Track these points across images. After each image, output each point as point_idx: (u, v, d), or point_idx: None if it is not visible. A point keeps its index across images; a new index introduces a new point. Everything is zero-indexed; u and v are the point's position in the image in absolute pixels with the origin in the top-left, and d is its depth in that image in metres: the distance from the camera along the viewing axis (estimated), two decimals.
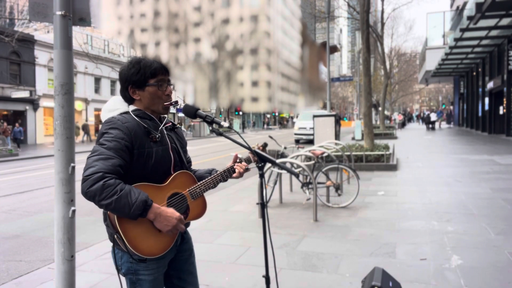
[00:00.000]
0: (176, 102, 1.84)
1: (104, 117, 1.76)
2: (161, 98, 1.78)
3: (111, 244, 1.72)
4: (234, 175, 1.94)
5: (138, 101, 1.78)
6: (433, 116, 31.90)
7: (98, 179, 1.48)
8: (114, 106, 1.78)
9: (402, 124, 34.80)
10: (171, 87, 1.83)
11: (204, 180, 1.85)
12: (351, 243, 4.26)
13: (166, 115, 1.88)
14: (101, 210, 1.61)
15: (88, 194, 1.48)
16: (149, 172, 1.69)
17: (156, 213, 1.57)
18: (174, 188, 1.75)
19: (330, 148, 8.35)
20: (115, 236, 1.59)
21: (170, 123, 1.89)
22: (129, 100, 1.79)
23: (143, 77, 1.73)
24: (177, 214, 1.62)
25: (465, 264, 3.56)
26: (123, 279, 1.76)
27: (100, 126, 1.74)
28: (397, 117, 39.62)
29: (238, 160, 1.97)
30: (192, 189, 1.80)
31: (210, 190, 1.88)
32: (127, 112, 1.75)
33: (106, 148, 1.57)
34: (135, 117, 1.72)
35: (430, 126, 31.23)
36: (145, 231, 1.62)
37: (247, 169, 1.97)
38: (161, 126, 1.80)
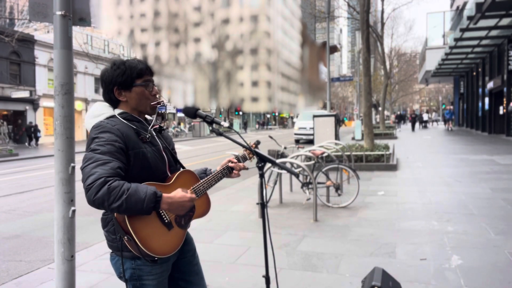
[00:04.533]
0: (163, 102, 1.84)
1: (88, 123, 1.72)
2: (149, 98, 1.76)
3: (110, 251, 1.72)
4: (233, 174, 1.94)
5: (124, 103, 1.75)
6: (425, 116, 36.44)
7: (102, 185, 1.45)
8: (99, 111, 1.74)
9: (413, 124, 31.43)
10: (156, 88, 1.82)
11: (206, 178, 1.85)
12: (351, 243, 4.26)
13: (152, 117, 1.87)
14: (101, 210, 1.61)
15: (96, 202, 1.45)
16: (146, 174, 1.67)
17: (169, 203, 1.57)
18: (179, 186, 1.75)
19: (330, 148, 8.35)
20: (125, 238, 1.57)
21: (157, 126, 1.88)
22: (114, 102, 1.76)
23: (129, 78, 1.71)
24: (187, 196, 1.62)
25: (465, 264, 3.56)
26: (119, 283, 1.75)
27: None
28: (393, 116, 40.14)
29: (235, 158, 1.98)
30: (196, 187, 1.80)
31: (210, 189, 1.88)
32: (113, 116, 1.71)
33: (101, 153, 1.54)
34: (123, 120, 1.69)
35: (423, 125, 35.14)
36: (155, 230, 1.62)
37: (245, 168, 1.98)
38: (150, 127, 1.78)
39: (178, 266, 1.87)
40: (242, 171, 2.01)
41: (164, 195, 1.56)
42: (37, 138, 25.32)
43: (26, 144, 25.40)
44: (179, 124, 41.64)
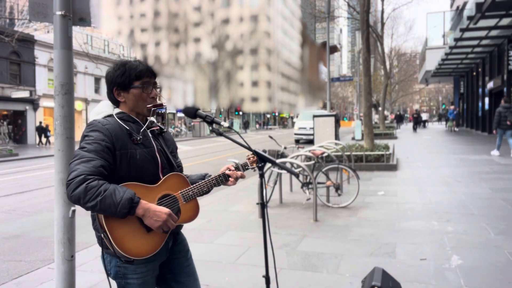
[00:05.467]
0: (161, 105, 1.83)
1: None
2: (146, 100, 1.77)
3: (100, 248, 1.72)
4: (229, 182, 1.90)
5: (123, 103, 1.78)
6: (424, 116, 37.88)
7: (81, 182, 1.48)
8: (100, 109, 1.78)
9: (414, 125, 30.36)
10: (158, 90, 1.82)
11: (198, 184, 1.81)
12: (351, 243, 4.26)
13: (153, 119, 1.86)
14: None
15: (73, 198, 1.49)
16: (135, 175, 1.67)
17: (145, 209, 1.56)
18: (166, 189, 1.73)
19: (330, 148, 8.35)
20: (102, 235, 1.58)
21: (158, 127, 1.87)
22: (115, 102, 1.79)
23: (127, 79, 1.73)
24: (166, 209, 1.61)
25: (465, 264, 3.56)
26: (113, 283, 1.74)
27: None
28: (390, 116, 40.19)
29: (234, 166, 1.93)
30: (184, 191, 1.77)
31: (201, 195, 1.84)
32: (110, 115, 1.74)
33: (87, 151, 1.58)
34: (118, 120, 1.71)
35: (422, 125, 36.61)
36: (133, 231, 1.60)
37: (242, 176, 1.93)
38: (143, 127, 1.77)
39: (170, 267, 1.86)
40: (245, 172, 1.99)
41: (142, 201, 1.56)
42: (47, 138, 26.09)
43: (36, 143, 26.31)
44: (184, 123, 41.74)
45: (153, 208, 1.58)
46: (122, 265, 1.67)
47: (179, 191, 1.76)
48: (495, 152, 11.89)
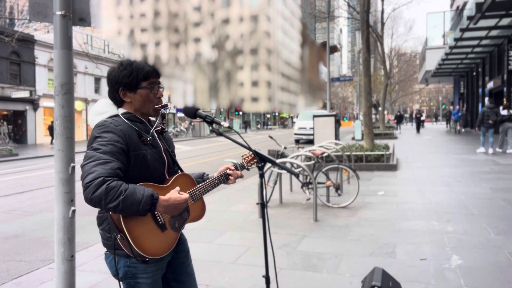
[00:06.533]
0: (167, 105, 1.84)
1: (92, 120, 1.74)
2: (153, 101, 1.77)
3: (105, 250, 1.72)
4: (229, 181, 1.94)
5: (128, 104, 1.76)
6: (423, 116, 38.12)
7: (100, 184, 1.46)
8: (103, 109, 1.75)
9: (417, 125, 29.13)
10: (162, 90, 1.82)
11: (203, 183, 1.86)
12: (351, 243, 4.26)
13: (155, 118, 1.87)
14: (98, 209, 1.60)
15: (93, 200, 1.47)
16: (145, 175, 1.68)
17: (165, 206, 1.59)
18: None
19: (330, 148, 8.35)
20: (118, 236, 1.58)
21: (160, 127, 1.89)
22: (118, 102, 1.76)
23: (135, 80, 1.72)
24: (182, 197, 1.63)
25: (465, 264, 3.56)
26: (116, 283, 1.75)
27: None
28: (386, 117, 40.30)
29: (233, 166, 1.98)
30: (192, 191, 1.81)
31: (206, 194, 1.89)
32: (116, 115, 1.72)
33: (102, 153, 1.55)
34: (126, 120, 1.70)
35: (421, 125, 36.42)
36: (149, 231, 1.63)
37: (241, 176, 1.98)
38: (152, 129, 1.78)
39: (172, 266, 1.88)
40: (243, 171, 2.02)
41: (161, 197, 1.58)
42: None
43: (49, 143, 26.92)
44: (190, 123, 41.76)
45: (172, 203, 1.61)
46: (132, 265, 1.67)
47: (188, 191, 1.79)
48: (481, 150, 12.62)
